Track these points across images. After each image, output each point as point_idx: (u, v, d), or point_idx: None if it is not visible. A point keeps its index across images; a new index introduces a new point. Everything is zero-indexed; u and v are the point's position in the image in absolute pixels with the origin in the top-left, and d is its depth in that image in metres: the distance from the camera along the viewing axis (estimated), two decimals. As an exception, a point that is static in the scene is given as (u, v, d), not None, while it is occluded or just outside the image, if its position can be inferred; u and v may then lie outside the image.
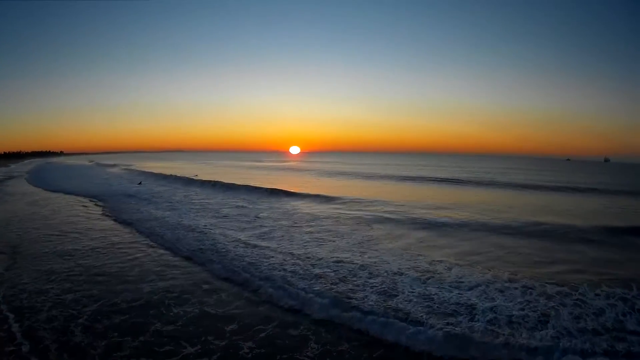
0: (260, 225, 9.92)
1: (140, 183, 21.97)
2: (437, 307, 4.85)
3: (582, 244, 8.51)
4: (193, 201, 14.49)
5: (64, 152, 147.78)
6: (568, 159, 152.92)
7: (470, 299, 5.06)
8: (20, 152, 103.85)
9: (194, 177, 23.73)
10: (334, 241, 8.29)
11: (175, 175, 25.08)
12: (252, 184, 19.87)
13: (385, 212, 12.11)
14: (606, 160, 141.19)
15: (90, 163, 53.96)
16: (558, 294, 5.22)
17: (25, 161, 65.04)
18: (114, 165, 42.45)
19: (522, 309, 4.75)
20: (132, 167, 36.98)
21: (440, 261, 6.82)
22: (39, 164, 51.85)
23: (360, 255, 7.13)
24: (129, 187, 19.59)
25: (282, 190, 17.28)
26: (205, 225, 9.77)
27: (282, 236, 8.71)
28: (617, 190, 21.00)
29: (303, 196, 16.05)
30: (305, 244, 7.99)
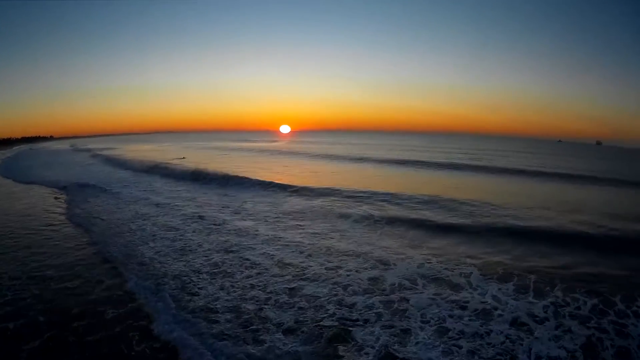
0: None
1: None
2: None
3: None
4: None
5: (54, 137, 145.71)
6: (559, 141, 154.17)
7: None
8: (10, 138, 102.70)
9: (180, 159, 26.14)
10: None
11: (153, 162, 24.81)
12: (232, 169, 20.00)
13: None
14: (598, 143, 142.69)
15: (71, 147, 53.65)
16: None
17: (14, 147, 64.66)
18: (89, 151, 42.22)
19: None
20: (103, 152, 36.87)
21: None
22: (22, 150, 52.00)
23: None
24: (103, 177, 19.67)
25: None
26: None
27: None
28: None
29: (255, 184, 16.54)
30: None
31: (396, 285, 6.09)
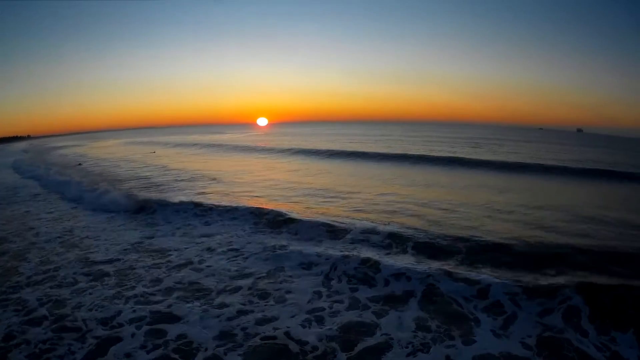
0: None
1: (79, 164, 21.93)
2: None
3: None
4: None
5: (31, 136, 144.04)
6: (540, 128, 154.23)
7: None
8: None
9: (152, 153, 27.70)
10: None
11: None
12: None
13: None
14: (579, 130, 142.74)
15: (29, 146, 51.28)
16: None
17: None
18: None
19: None
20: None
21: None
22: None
23: None
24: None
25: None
26: None
27: None
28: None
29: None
30: None
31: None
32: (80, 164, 21.78)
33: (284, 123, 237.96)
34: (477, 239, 6.52)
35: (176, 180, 14.09)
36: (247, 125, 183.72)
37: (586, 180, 14.11)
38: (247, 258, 6.21)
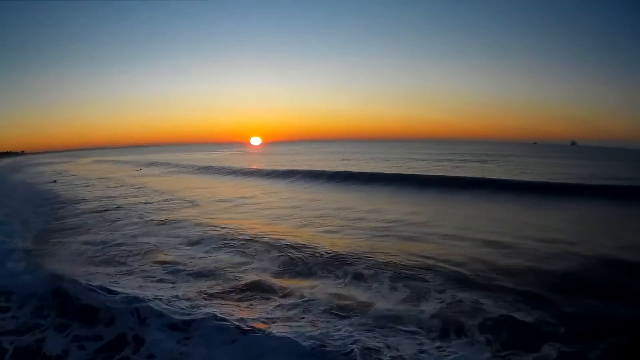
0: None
1: (54, 181, 22.41)
2: None
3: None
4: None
5: (25, 152, 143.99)
6: (535, 143, 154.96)
7: None
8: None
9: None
10: None
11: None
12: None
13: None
14: (573, 143, 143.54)
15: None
16: None
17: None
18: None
19: None
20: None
21: None
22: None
23: None
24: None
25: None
26: None
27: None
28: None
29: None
30: None
31: None
32: (55, 181, 22.36)
33: (278, 142, 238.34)
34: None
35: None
36: (240, 144, 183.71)
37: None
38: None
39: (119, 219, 10.10)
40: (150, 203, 12.93)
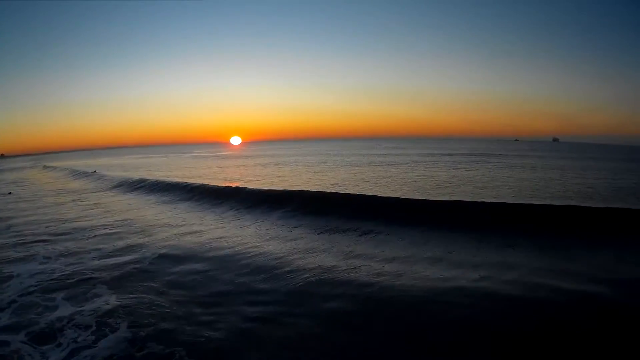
0: None
1: (9, 193, 18.60)
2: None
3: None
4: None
5: (5, 155, 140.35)
6: (516, 140, 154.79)
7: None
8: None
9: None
10: None
11: None
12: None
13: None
14: (555, 140, 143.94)
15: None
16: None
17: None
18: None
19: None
20: None
21: None
22: None
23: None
24: None
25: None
26: None
27: None
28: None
29: None
30: None
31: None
32: (10, 193, 18.53)
33: (259, 141, 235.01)
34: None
35: None
36: (220, 144, 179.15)
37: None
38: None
39: None
40: None
